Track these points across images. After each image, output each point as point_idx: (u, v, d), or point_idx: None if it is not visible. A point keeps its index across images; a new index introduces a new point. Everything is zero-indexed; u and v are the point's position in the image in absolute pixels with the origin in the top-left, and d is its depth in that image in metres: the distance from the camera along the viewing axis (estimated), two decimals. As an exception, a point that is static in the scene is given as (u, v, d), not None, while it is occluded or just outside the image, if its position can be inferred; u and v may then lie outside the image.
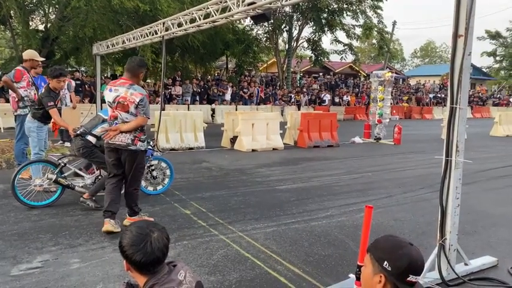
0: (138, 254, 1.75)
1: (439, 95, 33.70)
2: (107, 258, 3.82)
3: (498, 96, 39.35)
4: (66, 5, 14.95)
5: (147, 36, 9.56)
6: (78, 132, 5.38)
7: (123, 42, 10.81)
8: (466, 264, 3.82)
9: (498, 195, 6.79)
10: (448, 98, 3.51)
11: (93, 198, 5.31)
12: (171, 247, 4.00)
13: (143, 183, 6.05)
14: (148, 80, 22.78)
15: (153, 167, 6.07)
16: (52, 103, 5.71)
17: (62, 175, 5.43)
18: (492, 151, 12.23)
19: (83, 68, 25.41)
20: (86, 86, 17.84)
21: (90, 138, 5.31)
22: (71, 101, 10.40)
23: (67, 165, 5.52)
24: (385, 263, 1.64)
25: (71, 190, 5.45)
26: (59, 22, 15.80)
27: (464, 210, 4.13)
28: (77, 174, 5.70)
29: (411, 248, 1.65)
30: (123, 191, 4.72)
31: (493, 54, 48.44)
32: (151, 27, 9.29)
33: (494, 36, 46.64)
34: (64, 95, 9.68)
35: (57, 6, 16.57)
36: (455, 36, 3.40)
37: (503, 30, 47.33)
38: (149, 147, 5.74)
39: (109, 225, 4.42)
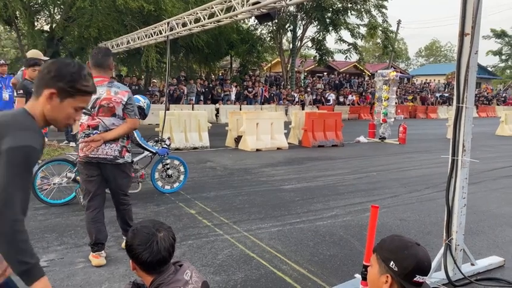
0: (145, 253, 1.76)
1: (444, 94, 33.54)
2: (112, 258, 3.82)
3: (504, 95, 39.11)
4: (71, 6, 15.01)
5: (152, 36, 9.60)
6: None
7: (128, 42, 10.85)
8: (472, 264, 3.79)
9: (504, 195, 6.75)
10: (454, 97, 3.48)
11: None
12: (176, 246, 4.02)
13: (159, 183, 6.20)
14: (154, 80, 22.83)
15: (168, 166, 6.14)
16: (22, 91, 5.64)
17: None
18: (498, 150, 12.15)
19: (88, 68, 25.47)
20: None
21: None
22: None
23: None
24: (391, 263, 1.63)
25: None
26: (64, 22, 15.88)
27: (471, 210, 4.11)
28: None
29: (418, 248, 1.64)
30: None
31: (498, 53, 48.23)
32: (155, 27, 9.32)
33: (500, 35, 46.41)
34: None
35: (62, 6, 16.64)
36: (462, 34, 3.38)
37: (509, 29, 47.15)
38: (165, 146, 5.90)
39: (101, 258, 3.69)
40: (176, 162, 6.38)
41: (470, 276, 3.66)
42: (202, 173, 7.84)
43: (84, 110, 3.72)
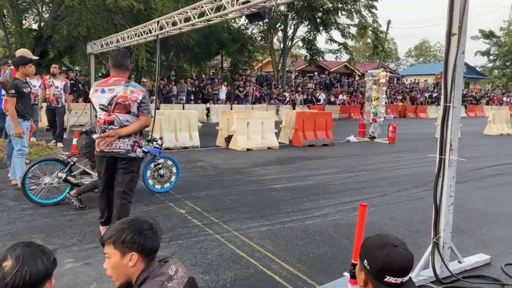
0: (150, 240, 1.85)
1: (433, 94, 33.87)
2: (101, 258, 3.79)
3: (491, 95, 39.61)
4: (60, 4, 14.87)
5: (142, 35, 9.54)
6: (84, 129, 5.36)
7: (117, 41, 10.77)
8: (459, 262, 3.83)
9: (491, 194, 6.83)
10: (442, 97, 3.52)
11: (79, 197, 5.25)
12: (165, 246, 4.03)
13: (150, 182, 6.19)
14: (144, 80, 22.69)
15: (160, 165, 6.14)
16: (13, 91, 5.70)
17: (72, 174, 5.49)
18: (486, 150, 12.30)
19: (77, 68, 25.29)
20: (80, 86, 17.74)
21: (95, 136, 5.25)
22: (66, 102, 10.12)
23: (76, 163, 5.56)
24: (365, 262, 1.65)
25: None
26: (52, 21, 15.72)
27: (458, 209, 4.16)
28: (85, 172, 5.74)
29: (393, 249, 1.61)
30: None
31: (486, 53, 48.76)
32: (145, 26, 9.26)
33: (488, 35, 46.94)
34: (60, 94, 9.51)
35: (50, 5, 16.49)
36: (449, 34, 3.41)
37: (497, 30, 47.73)
38: (157, 145, 5.84)
39: None
40: (169, 162, 6.37)
41: (458, 273, 3.70)
42: (192, 173, 7.82)
43: (101, 106, 3.93)
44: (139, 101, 3.88)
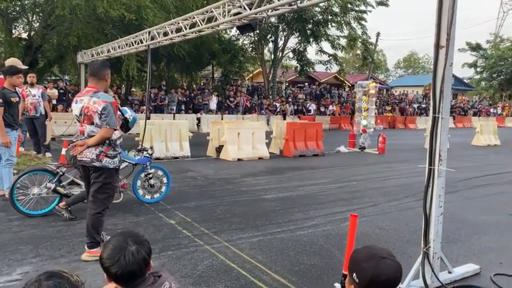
0: (114, 267, 1.73)
1: (422, 105, 34.28)
2: (90, 270, 3.74)
3: (479, 106, 40.21)
4: (51, 13, 14.83)
5: (133, 45, 9.55)
6: (74, 140, 5.24)
7: (108, 51, 10.76)
8: (449, 272, 3.85)
9: (480, 204, 6.90)
10: (431, 108, 3.57)
11: (69, 208, 5.20)
12: (155, 257, 3.97)
13: (140, 191, 6.11)
14: (133, 89, 22.64)
15: (150, 175, 6.09)
16: (1, 100, 5.72)
17: (61, 184, 5.40)
18: (474, 160, 12.45)
19: (67, 77, 25.16)
20: (70, 95, 17.62)
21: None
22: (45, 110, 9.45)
23: (65, 174, 5.49)
24: (354, 275, 1.64)
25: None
26: (42, 30, 15.67)
27: (448, 219, 4.19)
28: (74, 183, 5.63)
29: (380, 262, 1.60)
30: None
31: (473, 65, 49.62)
32: (136, 36, 9.28)
33: (475, 48, 47.81)
34: (38, 102, 9.23)
35: (41, 14, 16.43)
36: (437, 47, 3.47)
37: (484, 42, 48.67)
38: (147, 155, 5.94)
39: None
40: (160, 172, 6.31)
41: (448, 283, 3.71)
42: (182, 183, 7.77)
43: (76, 117, 3.98)
44: (99, 112, 3.84)
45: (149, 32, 8.66)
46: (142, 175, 6.09)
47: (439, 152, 3.52)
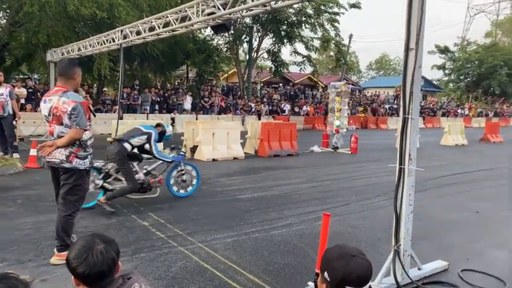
0: (81, 266, 1.68)
1: (393, 106, 35.05)
2: (59, 274, 3.64)
3: (447, 107, 41.45)
4: (18, 10, 14.35)
5: (104, 43, 9.37)
6: (117, 137, 5.92)
7: (79, 49, 10.53)
8: (419, 269, 3.96)
9: (449, 202, 7.11)
10: (401, 109, 3.66)
11: (109, 202, 5.59)
12: (128, 260, 3.92)
13: (175, 188, 6.58)
14: (105, 89, 22.18)
15: (183, 171, 6.58)
16: None
17: (107, 180, 5.77)
18: (443, 159, 12.82)
19: (36, 76, 24.43)
20: (39, 94, 17.11)
21: (126, 145, 5.73)
22: (13, 109, 9.21)
23: (110, 171, 5.83)
24: (325, 273, 1.67)
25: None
26: (10, 27, 15.15)
27: (418, 217, 4.29)
28: (116, 179, 5.94)
29: (351, 260, 1.63)
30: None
31: (442, 67, 51.26)
32: (108, 35, 9.11)
33: (443, 50, 49.43)
34: (6, 102, 8.92)
35: (8, 11, 15.88)
36: (407, 49, 3.56)
37: (452, 45, 50.33)
38: (181, 153, 6.50)
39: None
40: (189, 168, 6.75)
41: (418, 280, 3.82)
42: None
43: (44, 117, 3.90)
44: (68, 112, 3.76)
45: (121, 31, 8.51)
46: (175, 172, 6.54)
47: (409, 152, 3.61)
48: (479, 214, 6.35)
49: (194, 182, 6.79)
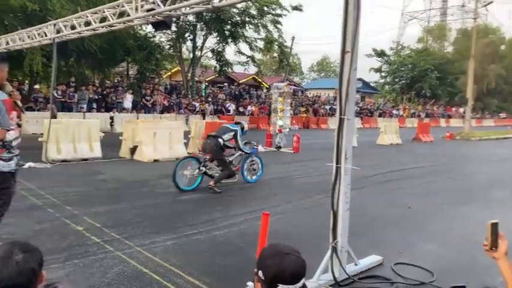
0: None
1: (333, 107, 36.24)
2: None
3: (384, 108, 43.60)
4: None
5: (36, 37, 8.81)
6: (213, 134, 7.41)
7: (7, 43, 9.82)
8: (356, 264, 4.10)
9: (384, 199, 7.46)
10: (337, 110, 3.76)
11: (216, 185, 7.04)
12: (59, 267, 3.69)
13: (247, 175, 8.05)
14: (36, 86, 20.83)
15: (253, 162, 8.18)
16: None
17: (207, 167, 7.25)
18: (378, 158, 13.44)
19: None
20: (-39, 91, 15.76)
21: (220, 140, 7.21)
22: None
23: (207, 160, 7.21)
24: (259, 273, 1.67)
25: (210, 178, 7.27)
26: None
27: (354, 214, 4.43)
28: (211, 168, 7.41)
29: (284, 257, 1.64)
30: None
31: (379, 70, 53.89)
32: (40, 29, 8.58)
33: (380, 54, 51.96)
34: None
35: None
36: (343, 52, 3.67)
37: (388, 49, 53.05)
38: (255, 147, 8.23)
39: None
40: (258, 159, 8.28)
41: (354, 275, 3.94)
42: (92, 186, 7.33)
43: None
44: None
45: (54, 25, 8.03)
46: (248, 161, 8.03)
47: (344, 151, 3.72)
48: (411, 210, 6.71)
49: (259, 171, 8.26)
